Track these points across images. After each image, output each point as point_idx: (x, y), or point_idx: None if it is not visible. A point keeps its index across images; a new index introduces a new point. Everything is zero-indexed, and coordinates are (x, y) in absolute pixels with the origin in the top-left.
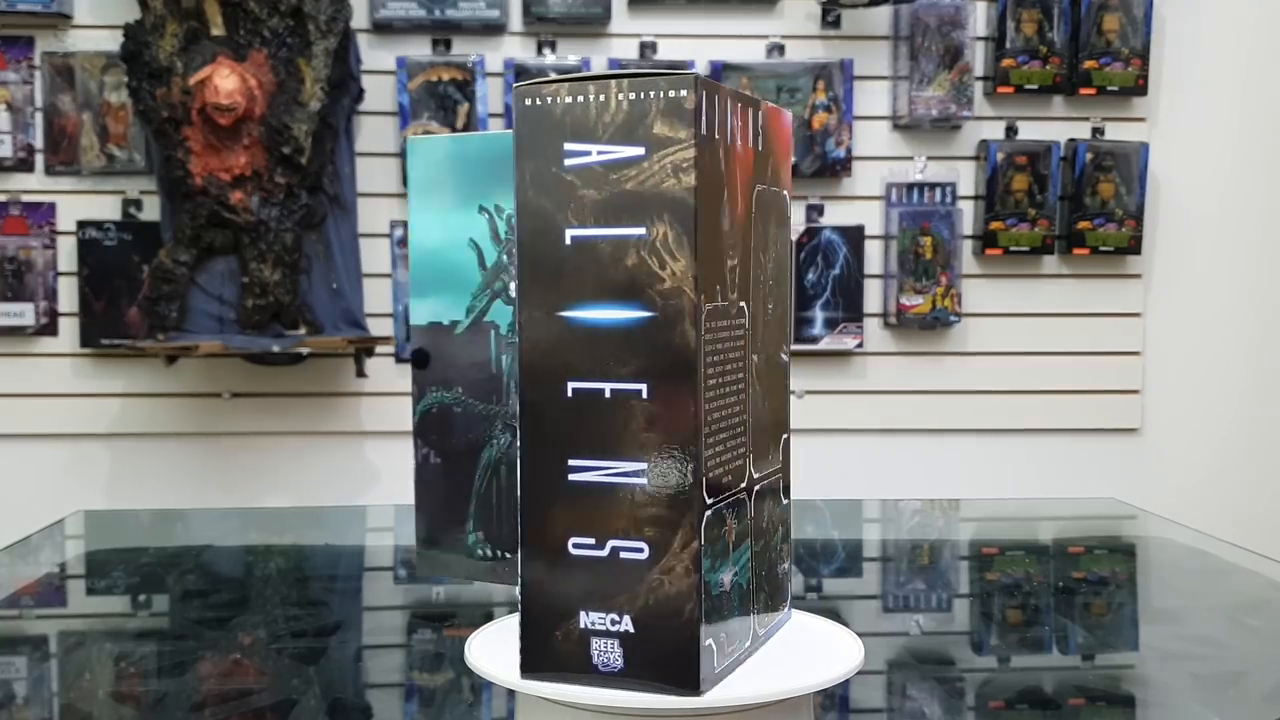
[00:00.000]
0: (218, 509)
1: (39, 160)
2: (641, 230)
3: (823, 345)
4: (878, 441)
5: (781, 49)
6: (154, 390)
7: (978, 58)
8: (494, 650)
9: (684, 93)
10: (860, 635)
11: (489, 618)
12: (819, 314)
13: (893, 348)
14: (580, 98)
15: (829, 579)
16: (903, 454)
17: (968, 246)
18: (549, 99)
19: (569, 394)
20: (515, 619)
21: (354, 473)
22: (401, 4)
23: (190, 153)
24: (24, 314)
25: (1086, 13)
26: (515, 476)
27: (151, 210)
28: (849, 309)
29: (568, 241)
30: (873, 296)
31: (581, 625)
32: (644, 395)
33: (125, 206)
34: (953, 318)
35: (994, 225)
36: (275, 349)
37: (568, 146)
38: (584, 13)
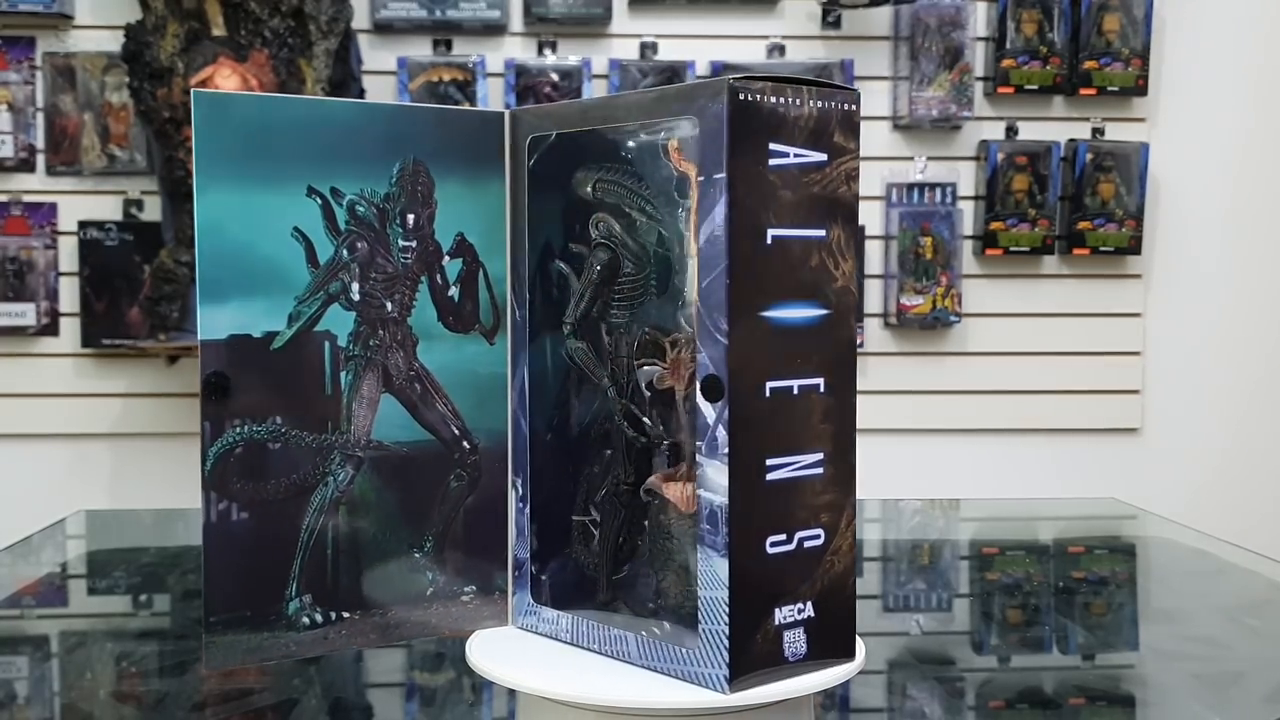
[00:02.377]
0: None
1: (40, 160)
2: (823, 232)
3: None
4: (878, 441)
5: (782, 49)
6: (155, 390)
7: (978, 58)
8: (494, 650)
9: (854, 106)
10: (860, 635)
11: None
12: None
13: (893, 348)
14: (781, 99)
15: None
16: (903, 454)
17: (968, 247)
18: (759, 96)
19: (767, 394)
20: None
21: None
22: (402, 4)
23: (191, 153)
24: (25, 314)
25: (1086, 13)
26: (369, 517)
27: (153, 210)
28: None
29: (769, 241)
30: (873, 297)
31: (776, 622)
32: (821, 389)
33: (126, 207)
34: (953, 318)
35: (994, 225)
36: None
37: (772, 146)
38: (584, 13)
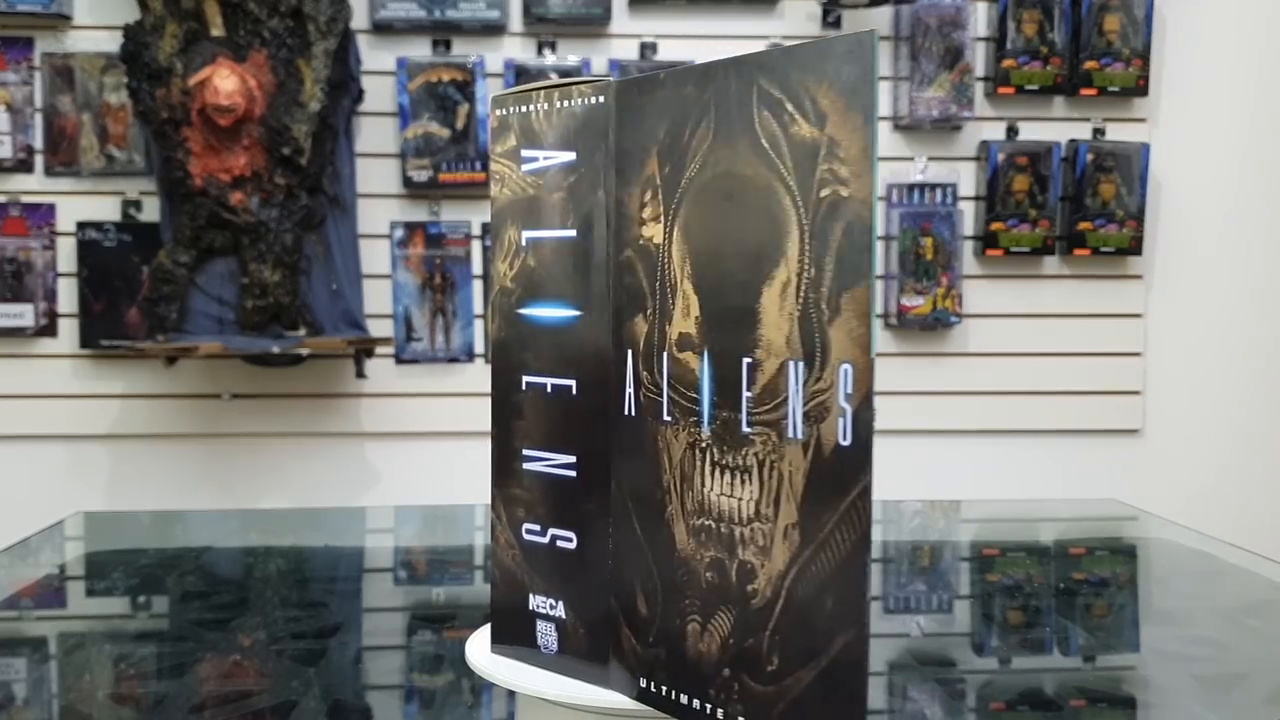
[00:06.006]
0: (217, 510)
1: (39, 161)
2: None
3: None
4: (878, 442)
5: None
6: (154, 391)
7: (978, 58)
8: (495, 651)
9: None
10: None
11: (489, 618)
12: None
13: (893, 349)
14: None
15: None
16: (903, 454)
17: (968, 247)
18: None
19: None
20: None
21: (354, 474)
22: (401, 5)
23: (190, 154)
24: (23, 315)
25: (1087, 13)
26: None
27: (151, 211)
28: None
29: None
30: None
31: None
32: None
33: (125, 207)
34: (953, 318)
35: (995, 226)
36: (275, 350)
37: None
38: (584, 13)
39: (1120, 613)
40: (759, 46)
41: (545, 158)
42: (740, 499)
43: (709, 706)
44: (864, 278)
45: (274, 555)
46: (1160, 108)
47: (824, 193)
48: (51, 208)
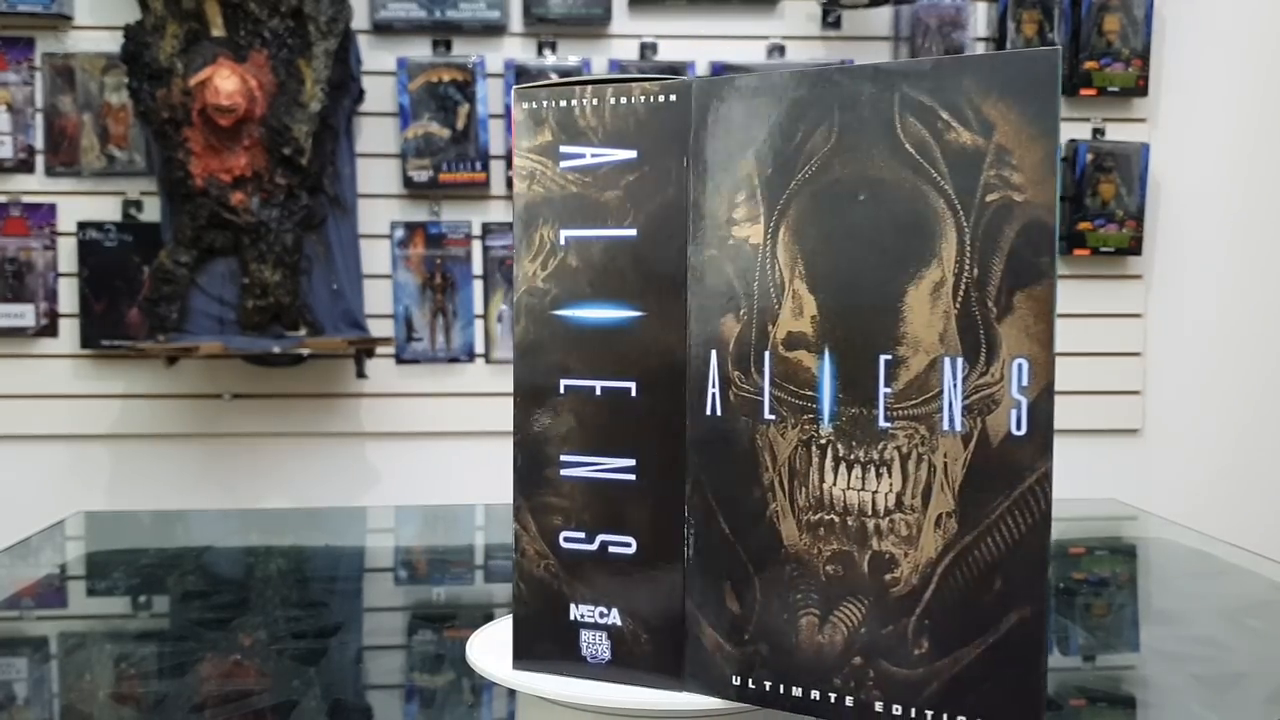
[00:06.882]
0: (218, 510)
1: (39, 161)
2: None
3: None
4: None
5: (782, 50)
6: (154, 391)
7: None
8: (494, 650)
9: None
10: None
11: (489, 618)
12: None
13: None
14: None
15: None
16: None
17: None
18: None
19: None
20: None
21: (354, 474)
22: (402, 5)
23: (191, 154)
24: (24, 315)
25: (1087, 13)
26: None
27: (152, 211)
28: None
29: None
30: None
31: None
32: None
33: (126, 207)
34: None
35: None
36: (276, 350)
37: None
38: (584, 13)
39: (1120, 612)
40: (759, 46)
41: (594, 155)
42: (876, 492)
43: (833, 695)
44: (1045, 277)
45: (274, 555)
46: (1160, 108)
47: (991, 197)
48: (52, 208)
